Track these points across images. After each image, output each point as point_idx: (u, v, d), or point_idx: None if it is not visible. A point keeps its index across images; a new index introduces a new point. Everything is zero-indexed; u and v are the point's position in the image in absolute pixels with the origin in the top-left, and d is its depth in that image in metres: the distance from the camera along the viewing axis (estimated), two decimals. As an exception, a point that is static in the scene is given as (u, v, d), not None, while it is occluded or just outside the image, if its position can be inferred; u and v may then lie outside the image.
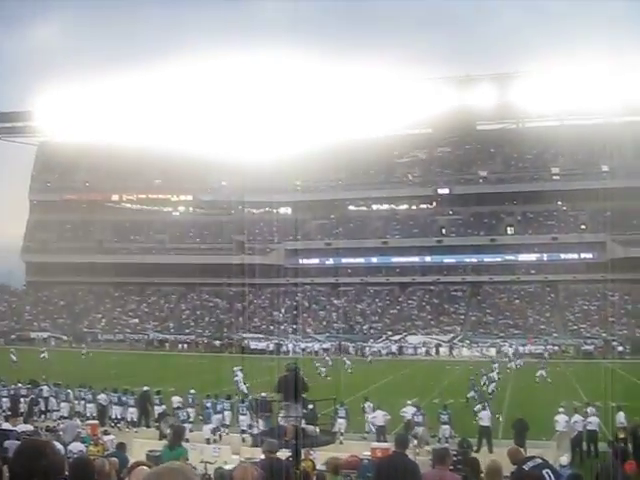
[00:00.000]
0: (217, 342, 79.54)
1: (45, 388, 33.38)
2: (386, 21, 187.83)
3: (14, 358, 57.47)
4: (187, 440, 21.34)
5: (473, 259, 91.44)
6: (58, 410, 31.93)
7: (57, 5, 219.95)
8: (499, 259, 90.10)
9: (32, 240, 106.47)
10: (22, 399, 32.39)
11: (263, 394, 27.97)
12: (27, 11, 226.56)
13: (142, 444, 23.58)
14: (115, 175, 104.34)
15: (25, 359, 57.57)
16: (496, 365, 48.83)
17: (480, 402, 30.40)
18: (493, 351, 71.46)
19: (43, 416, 31.69)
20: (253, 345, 74.40)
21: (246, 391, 37.23)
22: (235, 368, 42.74)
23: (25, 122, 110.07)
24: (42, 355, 60.66)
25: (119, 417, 31.06)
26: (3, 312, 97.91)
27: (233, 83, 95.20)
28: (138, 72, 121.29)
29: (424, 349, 75.72)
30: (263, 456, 11.16)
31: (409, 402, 29.29)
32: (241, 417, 28.69)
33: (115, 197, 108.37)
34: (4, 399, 32.86)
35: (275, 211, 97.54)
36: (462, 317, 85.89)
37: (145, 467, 10.34)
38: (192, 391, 31.77)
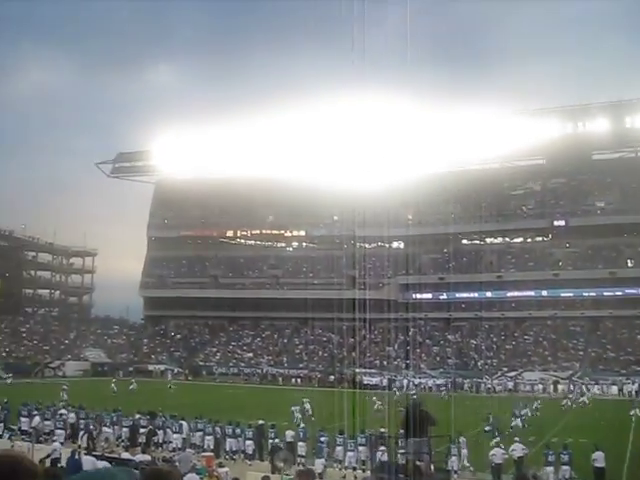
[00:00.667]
0: (331, 377, 79.52)
1: (162, 419, 34.02)
2: (497, 52, 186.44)
3: (114, 388, 59.05)
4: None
5: (592, 293, 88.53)
6: (171, 442, 32.49)
7: (173, 49, 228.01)
8: (619, 293, 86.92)
9: (150, 275, 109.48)
10: (141, 430, 33.06)
11: (382, 429, 27.78)
12: (143, 55, 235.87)
13: (256, 477, 23.71)
14: (230, 212, 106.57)
15: (143, 390, 59.29)
16: (525, 404, 47.27)
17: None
18: (615, 389, 69.10)
19: (160, 447, 32.26)
20: (366, 380, 73.98)
21: (299, 422, 37.84)
22: (304, 399, 44.22)
23: (143, 162, 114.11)
24: (131, 387, 61.94)
25: (234, 449, 31.34)
26: (122, 345, 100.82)
27: (343, 121, 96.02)
28: (250, 112, 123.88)
29: (541, 386, 73.60)
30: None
31: (517, 439, 28.61)
32: (349, 453, 28.54)
33: (230, 233, 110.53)
34: (124, 429, 33.68)
35: (387, 245, 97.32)
36: (581, 353, 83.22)
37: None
38: (302, 425, 31.78)
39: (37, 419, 34.91)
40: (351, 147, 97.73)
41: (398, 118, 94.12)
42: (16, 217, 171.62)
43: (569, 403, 56.21)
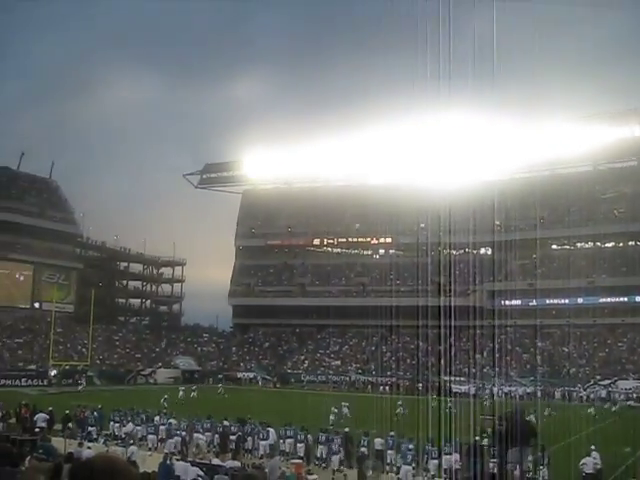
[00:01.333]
0: (419, 385, 78.94)
1: (252, 426, 34.39)
2: (581, 55, 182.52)
3: (181, 394, 59.17)
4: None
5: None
6: (257, 449, 32.83)
7: (259, 60, 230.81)
8: None
9: (238, 284, 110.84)
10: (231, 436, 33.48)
11: (477, 438, 27.46)
12: (228, 66, 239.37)
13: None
14: (316, 220, 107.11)
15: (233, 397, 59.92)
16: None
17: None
18: None
19: (250, 454, 32.60)
20: (455, 388, 73.15)
21: (331, 425, 38.27)
22: (343, 403, 45.55)
23: (230, 172, 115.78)
24: (192, 394, 61.92)
25: (324, 457, 31.43)
26: (212, 353, 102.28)
27: (428, 128, 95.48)
28: (335, 122, 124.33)
29: (636, 395, 71.50)
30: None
31: (593, 447, 27.89)
32: (432, 461, 28.35)
33: (316, 241, 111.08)
34: (214, 435, 34.21)
35: (475, 252, 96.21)
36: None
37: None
38: (392, 433, 31.58)
39: (130, 425, 35.85)
40: (437, 154, 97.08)
41: (484, 123, 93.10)
42: (108, 228, 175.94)
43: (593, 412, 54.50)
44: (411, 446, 29.03)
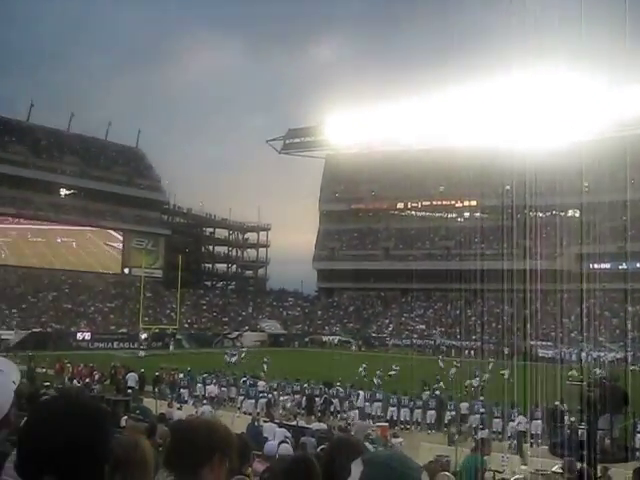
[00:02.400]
0: (505, 349, 78.17)
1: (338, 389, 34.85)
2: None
3: (227, 359, 58.68)
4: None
5: None
6: (345, 411, 33.27)
7: (338, 24, 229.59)
8: None
9: (322, 248, 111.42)
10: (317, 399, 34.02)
11: (557, 403, 27.28)
12: (309, 31, 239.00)
13: (430, 448, 23.77)
14: (400, 184, 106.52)
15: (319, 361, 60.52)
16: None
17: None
18: None
19: (335, 416, 33.05)
20: (541, 353, 72.34)
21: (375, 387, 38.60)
22: (363, 364, 48.14)
23: (313, 137, 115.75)
24: (234, 359, 59.70)
25: (408, 420, 31.76)
26: (297, 317, 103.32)
27: (514, 88, 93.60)
28: (418, 83, 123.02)
29: None
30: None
31: None
32: (511, 423, 28.52)
33: (400, 205, 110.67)
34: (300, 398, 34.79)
35: (562, 214, 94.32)
36: None
37: (447, 474, 10.23)
38: (481, 398, 31.63)
39: (215, 388, 36.84)
40: (524, 114, 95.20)
41: (573, 82, 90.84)
42: (194, 195, 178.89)
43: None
44: (482, 409, 29.97)
